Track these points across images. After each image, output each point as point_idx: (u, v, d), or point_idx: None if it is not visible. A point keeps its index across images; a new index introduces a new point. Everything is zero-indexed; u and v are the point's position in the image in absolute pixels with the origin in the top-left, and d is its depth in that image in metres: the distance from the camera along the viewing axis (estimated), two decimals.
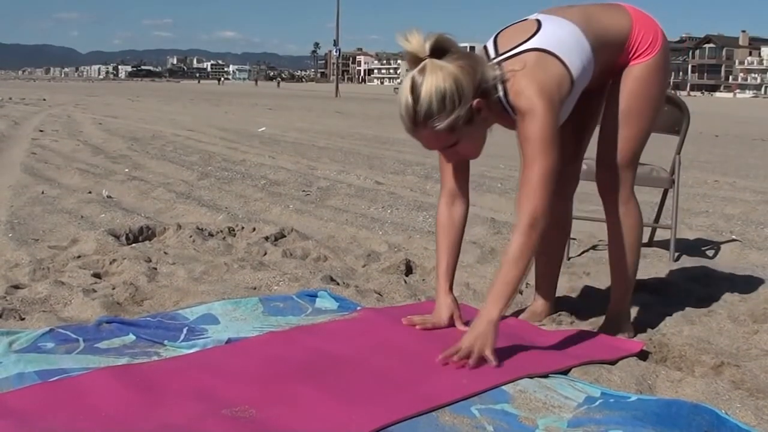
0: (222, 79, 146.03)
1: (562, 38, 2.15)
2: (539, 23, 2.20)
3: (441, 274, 2.36)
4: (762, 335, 2.53)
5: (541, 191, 2.03)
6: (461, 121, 2.00)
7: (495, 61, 2.13)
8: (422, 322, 2.32)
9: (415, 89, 1.97)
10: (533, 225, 2.02)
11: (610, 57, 2.27)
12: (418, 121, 1.99)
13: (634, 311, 2.79)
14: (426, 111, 1.97)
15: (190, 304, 2.61)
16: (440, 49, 1.99)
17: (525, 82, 2.06)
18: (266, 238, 3.77)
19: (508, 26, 2.27)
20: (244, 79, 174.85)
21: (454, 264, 2.37)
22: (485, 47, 2.22)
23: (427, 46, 1.98)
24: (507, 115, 2.12)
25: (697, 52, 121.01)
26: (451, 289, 2.37)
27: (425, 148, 2.15)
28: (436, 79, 1.95)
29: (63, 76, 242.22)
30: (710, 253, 3.92)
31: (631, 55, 2.29)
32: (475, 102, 2.01)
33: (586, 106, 2.39)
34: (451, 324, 2.33)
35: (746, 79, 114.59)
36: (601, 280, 3.10)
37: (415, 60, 2.00)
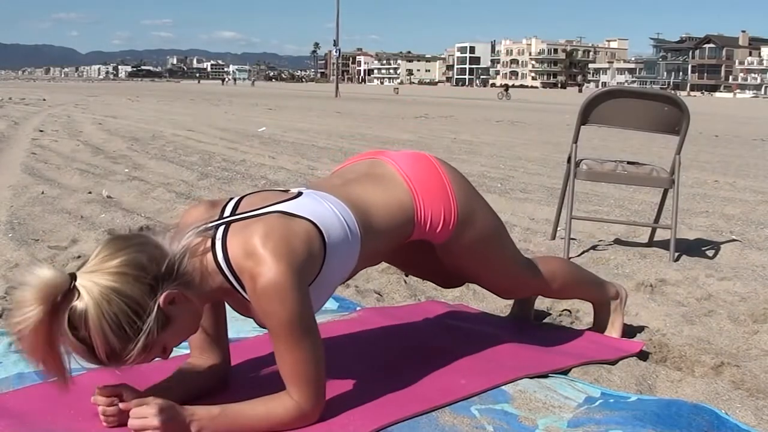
0: (226, 79, 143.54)
1: (318, 207, 1.70)
2: (300, 193, 1.76)
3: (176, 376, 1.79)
4: (762, 335, 2.53)
5: (305, 389, 1.61)
6: (155, 333, 1.46)
7: (217, 221, 1.63)
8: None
9: (76, 324, 1.40)
10: (304, 415, 1.62)
11: (396, 236, 1.89)
12: (105, 362, 1.46)
13: (634, 311, 2.80)
14: (106, 351, 1.43)
15: None
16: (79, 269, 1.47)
17: (257, 241, 1.56)
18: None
19: (264, 191, 1.82)
20: (244, 79, 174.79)
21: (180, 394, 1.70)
22: (225, 205, 1.71)
23: (64, 275, 1.42)
24: (232, 289, 1.61)
25: (697, 52, 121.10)
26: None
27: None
28: (96, 307, 1.40)
29: (63, 76, 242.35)
30: (710, 253, 3.92)
31: (426, 229, 1.91)
32: (162, 298, 1.47)
33: (443, 267, 2.15)
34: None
35: (746, 79, 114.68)
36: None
37: (53, 296, 1.39)
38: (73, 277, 1.43)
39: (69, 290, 1.41)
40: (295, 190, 1.79)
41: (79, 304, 1.40)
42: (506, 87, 51.15)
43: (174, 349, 1.59)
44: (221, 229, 1.62)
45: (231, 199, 1.73)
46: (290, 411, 1.61)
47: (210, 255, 1.59)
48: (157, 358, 1.56)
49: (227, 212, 1.67)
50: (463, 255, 2.04)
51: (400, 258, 2.23)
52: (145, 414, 1.51)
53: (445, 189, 1.94)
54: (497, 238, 2.10)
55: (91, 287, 1.41)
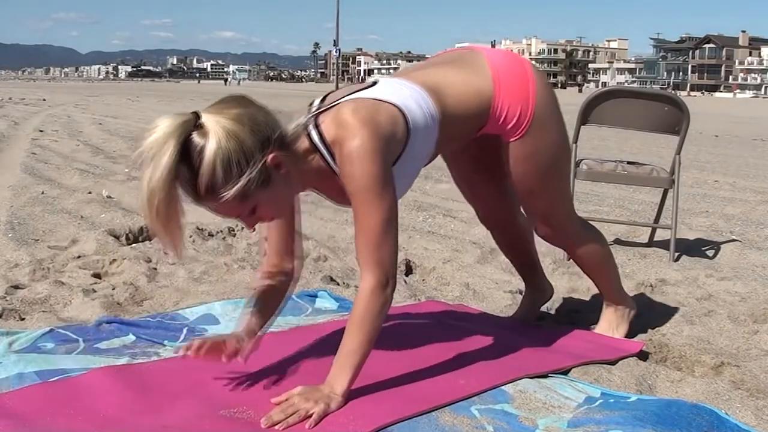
0: (229, 79, 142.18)
1: (397, 91, 1.83)
2: (375, 82, 1.89)
3: (246, 317, 1.97)
4: (762, 335, 2.53)
5: (383, 243, 1.71)
6: (254, 185, 1.60)
7: (313, 112, 1.78)
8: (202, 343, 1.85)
9: (191, 156, 1.54)
10: (383, 283, 1.72)
11: (470, 125, 1.99)
12: (200, 195, 1.59)
13: None
14: (208, 184, 1.57)
15: (190, 305, 2.62)
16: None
17: (346, 114, 1.71)
18: (266, 238, 3.76)
19: (343, 87, 1.94)
20: (244, 79, 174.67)
21: (258, 329, 1.95)
22: (311, 105, 1.86)
23: (189, 113, 1.58)
24: (326, 168, 1.76)
25: (697, 52, 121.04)
26: (252, 332, 1.93)
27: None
28: (216, 140, 1.55)
29: (63, 76, 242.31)
30: (710, 253, 3.92)
31: (500, 122, 1.99)
32: (270, 157, 1.62)
33: (490, 165, 2.24)
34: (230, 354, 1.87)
35: (746, 79, 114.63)
36: None
37: (181, 126, 1.54)
38: (197, 114, 1.57)
39: (195, 124, 1.55)
40: (370, 80, 1.90)
41: (198, 137, 1.54)
42: None
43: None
44: (313, 118, 1.76)
45: (314, 99, 1.87)
46: (374, 296, 1.71)
47: (307, 139, 1.74)
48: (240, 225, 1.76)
49: (315, 105, 1.83)
50: (526, 160, 2.07)
51: (462, 161, 2.25)
52: (298, 407, 1.65)
53: (527, 89, 2.00)
54: (562, 161, 2.18)
55: (215, 123, 1.56)
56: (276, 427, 1.62)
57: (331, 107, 1.78)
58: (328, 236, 4.01)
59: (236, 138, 1.56)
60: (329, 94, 1.89)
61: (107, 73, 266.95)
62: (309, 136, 1.75)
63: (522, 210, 2.37)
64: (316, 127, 1.75)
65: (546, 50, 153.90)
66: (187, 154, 1.53)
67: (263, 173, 1.61)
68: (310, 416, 1.65)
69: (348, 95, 1.80)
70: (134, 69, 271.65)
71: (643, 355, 2.26)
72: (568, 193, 2.27)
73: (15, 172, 6.13)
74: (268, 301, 1.99)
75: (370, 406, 1.74)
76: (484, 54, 2.03)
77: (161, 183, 1.50)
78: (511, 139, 2.04)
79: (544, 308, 2.73)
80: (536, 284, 2.62)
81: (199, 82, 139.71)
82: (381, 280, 1.72)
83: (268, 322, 1.99)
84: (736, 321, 2.69)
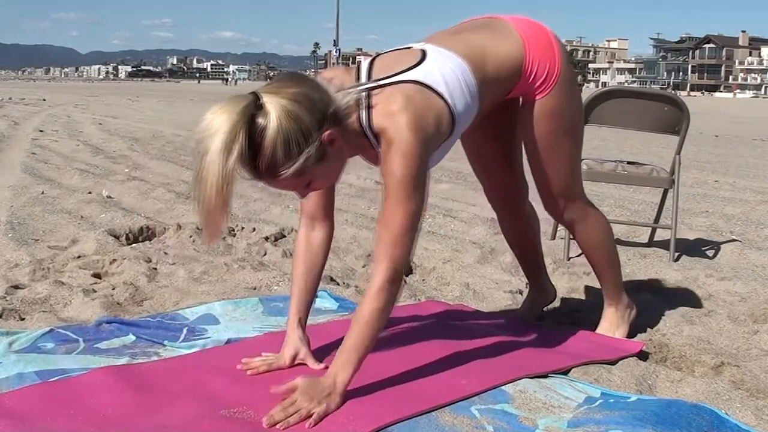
0: (230, 79, 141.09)
1: (446, 73, 1.89)
2: (424, 54, 1.93)
3: (292, 305, 2.08)
4: (762, 335, 2.53)
5: (403, 240, 1.78)
6: (311, 161, 1.68)
7: (364, 86, 1.83)
8: (263, 362, 1.99)
9: (254, 135, 1.60)
10: (392, 280, 1.77)
11: (503, 88, 2.08)
12: (260, 172, 1.67)
13: None
14: (269, 162, 1.64)
15: (190, 305, 2.62)
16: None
17: (397, 109, 1.78)
18: (266, 238, 3.77)
19: (390, 51, 2.01)
20: (244, 79, 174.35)
21: (307, 296, 2.08)
22: (358, 66, 1.93)
23: (249, 95, 1.65)
24: (369, 146, 1.86)
25: (697, 52, 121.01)
26: (301, 323, 2.05)
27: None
28: (277, 120, 1.61)
29: (63, 76, 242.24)
30: (710, 253, 3.92)
31: (529, 81, 2.08)
32: (326, 134, 1.69)
33: (502, 132, 2.30)
34: (295, 364, 2.00)
35: (746, 79, 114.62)
36: None
37: (246, 108, 1.61)
38: (256, 95, 1.63)
39: (257, 105, 1.61)
40: (417, 47, 1.96)
41: (260, 117, 1.61)
42: None
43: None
44: (364, 94, 1.81)
45: (360, 61, 1.93)
46: (384, 292, 1.76)
47: (356, 114, 1.80)
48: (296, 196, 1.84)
49: (363, 76, 1.87)
50: (550, 118, 2.13)
51: (477, 131, 2.25)
52: (299, 407, 1.67)
53: (552, 50, 2.09)
54: (580, 128, 2.27)
55: (275, 103, 1.62)
56: (277, 427, 1.63)
57: (383, 86, 1.83)
58: None
59: (296, 118, 1.63)
60: (377, 57, 1.96)
61: (107, 73, 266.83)
62: (358, 114, 1.81)
63: (536, 188, 2.34)
64: (367, 108, 1.81)
65: None
66: (249, 134, 1.59)
67: (319, 149, 1.68)
68: (311, 416, 1.66)
69: (400, 74, 1.85)
70: (134, 69, 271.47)
71: (643, 355, 2.26)
72: (579, 167, 2.30)
73: (15, 172, 6.13)
74: (307, 264, 2.08)
75: (370, 406, 1.74)
76: (507, 19, 2.12)
77: (224, 162, 1.54)
78: (538, 96, 2.11)
79: (543, 308, 2.73)
80: (539, 284, 2.63)
81: (199, 82, 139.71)
82: (392, 276, 1.77)
83: (315, 286, 2.10)
84: (736, 321, 2.69)
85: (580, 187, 2.34)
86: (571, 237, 2.98)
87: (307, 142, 1.65)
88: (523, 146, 2.29)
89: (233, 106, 1.59)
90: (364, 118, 1.81)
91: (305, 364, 2.00)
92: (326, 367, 1.91)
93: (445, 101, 1.86)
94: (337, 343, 2.09)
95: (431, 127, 1.82)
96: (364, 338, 1.77)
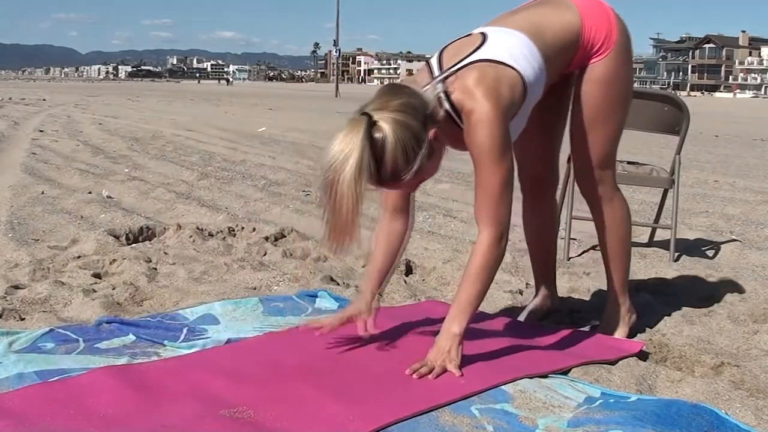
0: (229, 80, 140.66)
1: (510, 47, 2.04)
2: (484, 36, 2.07)
3: (366, 280, 2.23)
4: (762, 335, 2.53)
5: (502, 200, 1.95)
6: (425, 160, 1.86)
7: (438, 78, 2.01)
8: (328, 323, 2.15)
9: (376, 150, 1.78)
10: (499, 238, 1.95)
11: (564, 58, 2.18)
12: (383, 181, 1.86)
13: None
14: (392, 171, 1.83)
15: (190, 305, 2.62)
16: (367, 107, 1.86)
17: (472, 84, 1.95)
18: (266, 238, 3.77)
19: (453, 41, 2.13)
20: (244, 79, 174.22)
21: (386, 269, 2.23)
22: (429, 64, 2.09)
23: (361, 116, 1.81)
24: (457, 129, 1.99)
25: (697, 52, 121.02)
26: (375, 292, 2.20)
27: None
28: (393, 134, 1.79)
29: (63, 76, 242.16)
30: (710, 253, 3.92)
31: (588, 49, 2.19)
32: (431, 134, 1.87)
33: (551, 104, 2.33)
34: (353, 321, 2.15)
35: (746, 79, 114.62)
36: (601, 280, 3.07)
37: (365, 130, 1.78)
38: (367, 115, 1.79)
39: (371, 123, 1.78)
40: (477, 32, 2.10)
41: (377, 133, 1.78)
42: None
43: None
44: (441, 85, 1.99)
45: (430, 58, 2.11)
46: (492, 249, 1.94)
47: (440, 106, 1.96)
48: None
49: (435, 69, 2.04)
50: (603, 83, 2.21)
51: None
52: (431, 366, 1.91)
53: (609, 19, 2.19)
54: (628, 101, 2.32)
55: (387, 119, 1.80)
56: (413, 375, 1.88)
57: (455, 72, 1.98)
58: None
59: (407, 126, 1.80)
60: (443, 50, 2.09)
61: (107, 73, 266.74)
62: (441, 103, 1.97)
63: (573, 161, 2.40)
64: (446, 94, 1.97)
65: None
66: (373, 151, 1.76)
67: (428, 148, 1.85)
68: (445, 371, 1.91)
69: (467, 58, 2.00)
70: (134, 69, 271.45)
71: (643, 355, 2.26)
72: (618, 137, 2.34)
73: (15, 172, 6.13)
74: (389, 245, 2.22)
75: (370, 406, 1.74)
76: None
77: (357, 186, 1.74)
78: (593, 61, 2.20)
79: None
80: (546, 289, 2.65)
81: (199, 82, 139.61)
82: (497, 235, 1.94)
83: (392, 264, 2.24)
84: (736, 321, 2.69)
85: (615, 167, 2.39)
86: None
87: (420, 145, 1.83)
88: (569, 120, 2.34)
89: (353, 133, 1.76)
90: (447, 104, 1.97)
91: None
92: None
93: (515, 70, 1.99)
94: (336, 343, 2.10)
95: (506, 95, 1.95)
96: (473, 293, 1.96)
